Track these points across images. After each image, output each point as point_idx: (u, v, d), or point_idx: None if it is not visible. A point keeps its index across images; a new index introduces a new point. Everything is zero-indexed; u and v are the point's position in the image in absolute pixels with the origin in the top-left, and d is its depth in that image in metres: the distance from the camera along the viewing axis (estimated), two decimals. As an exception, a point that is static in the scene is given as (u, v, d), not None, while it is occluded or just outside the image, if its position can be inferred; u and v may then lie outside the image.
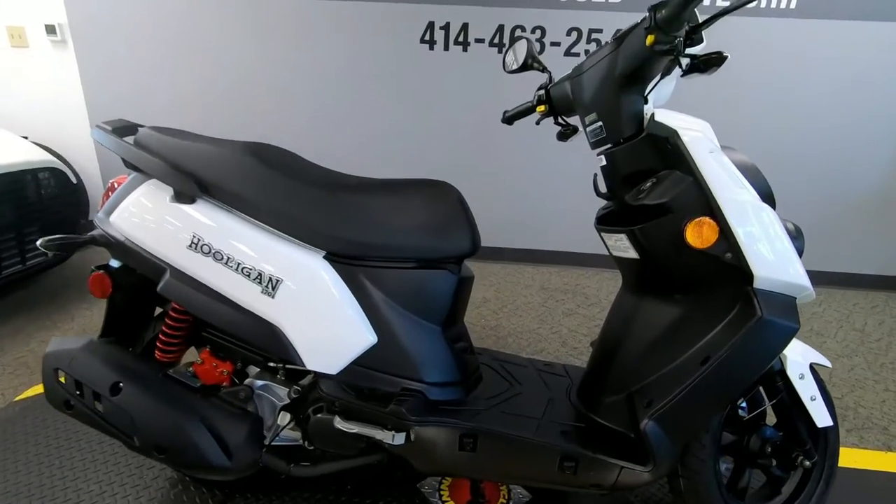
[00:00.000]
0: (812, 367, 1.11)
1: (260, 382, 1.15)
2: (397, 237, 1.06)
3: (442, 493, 1.34)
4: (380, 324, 1.06)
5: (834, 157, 2.82)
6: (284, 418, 1.14)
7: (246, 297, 1.02)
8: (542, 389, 1.26)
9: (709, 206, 0.95)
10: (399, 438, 1.01)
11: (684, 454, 1.07)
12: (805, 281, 0.97)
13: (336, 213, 1.04)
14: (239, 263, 1.02)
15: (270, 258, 1.02)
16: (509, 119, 1.37)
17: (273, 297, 1.02)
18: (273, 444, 1.16)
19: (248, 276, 1.02)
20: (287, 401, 1.15)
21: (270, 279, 1.01)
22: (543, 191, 3.07)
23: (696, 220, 0.94)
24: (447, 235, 1.09)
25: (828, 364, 1.16)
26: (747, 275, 0.95)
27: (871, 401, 1.91)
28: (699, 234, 0.94)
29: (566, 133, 1.30)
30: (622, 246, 1.07)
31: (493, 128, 2.93)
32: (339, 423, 1.03)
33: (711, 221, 0.94)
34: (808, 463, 1.10)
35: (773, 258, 0.94)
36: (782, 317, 0.93)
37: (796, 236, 1.01)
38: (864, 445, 1.66)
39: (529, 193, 3.08)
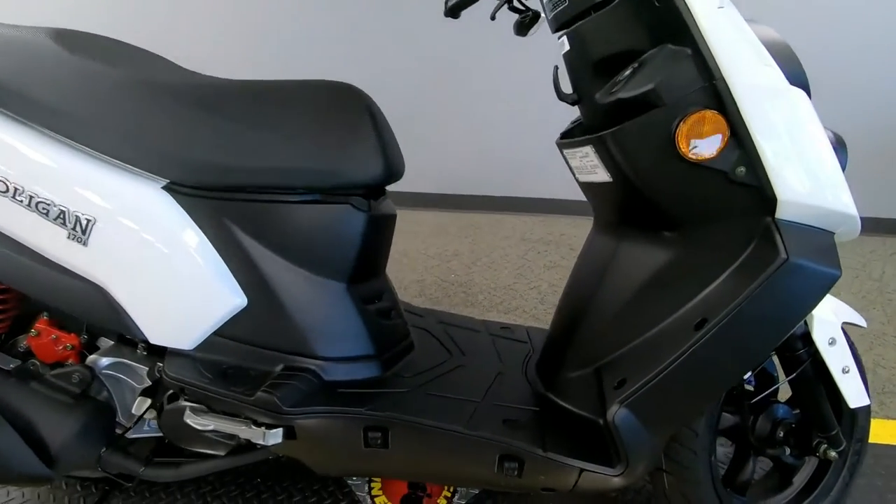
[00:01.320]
0: (843, 329, 0.83)
1: (106, 360, 0.87)
2: (274, 157, 0.76)
3: (373, 485, 1.09)
4: (250, 279, 0.78)
5: (850, 92, 2.54)
6: (143, 405, 0.87)
7: (46, 244, 0.73)
8: (492, 361, 0.99)
9: (715, 95, 0.63)
10: (274, 436, 0.73)
11: (670, 443, 0.81)
12: (851, 208, 0.68)
13: (183, 124, 0.74)
14: (31, 196, 0.72)
15: (77, 189, 0.72)
16: (453, 9, 1.04)
17: (85, 244, 0.72)
18: (135, 437, 0.89)
19: (47, 214, 0.72)
20: (148, 382, 0.87)
21: (78, 219, 0.72)
22: (524, 129, 2.71)
23: (696, 114, 0.63)
24: (349, 155, 0.80)
25: (863, 323, 0.89)
26: (768, 199, 0.65)
27: (893, 359, 1.65)
28: (700, 135, 0.63)
29: (525, 22, 0.98)
30: (589, 165, 0.76)
31: (461, 51, 2.53)
32: (190, 418, 0.75)
33: (718, 117, 0.63)
34: (833, 453, 0.84)
35: (807, 177, 0.65)
36: (817, 259, 0.65)
37: (837, 146, 0.71)
38: (886, 414, 1.40)
39: (507, 132, 2.73)
